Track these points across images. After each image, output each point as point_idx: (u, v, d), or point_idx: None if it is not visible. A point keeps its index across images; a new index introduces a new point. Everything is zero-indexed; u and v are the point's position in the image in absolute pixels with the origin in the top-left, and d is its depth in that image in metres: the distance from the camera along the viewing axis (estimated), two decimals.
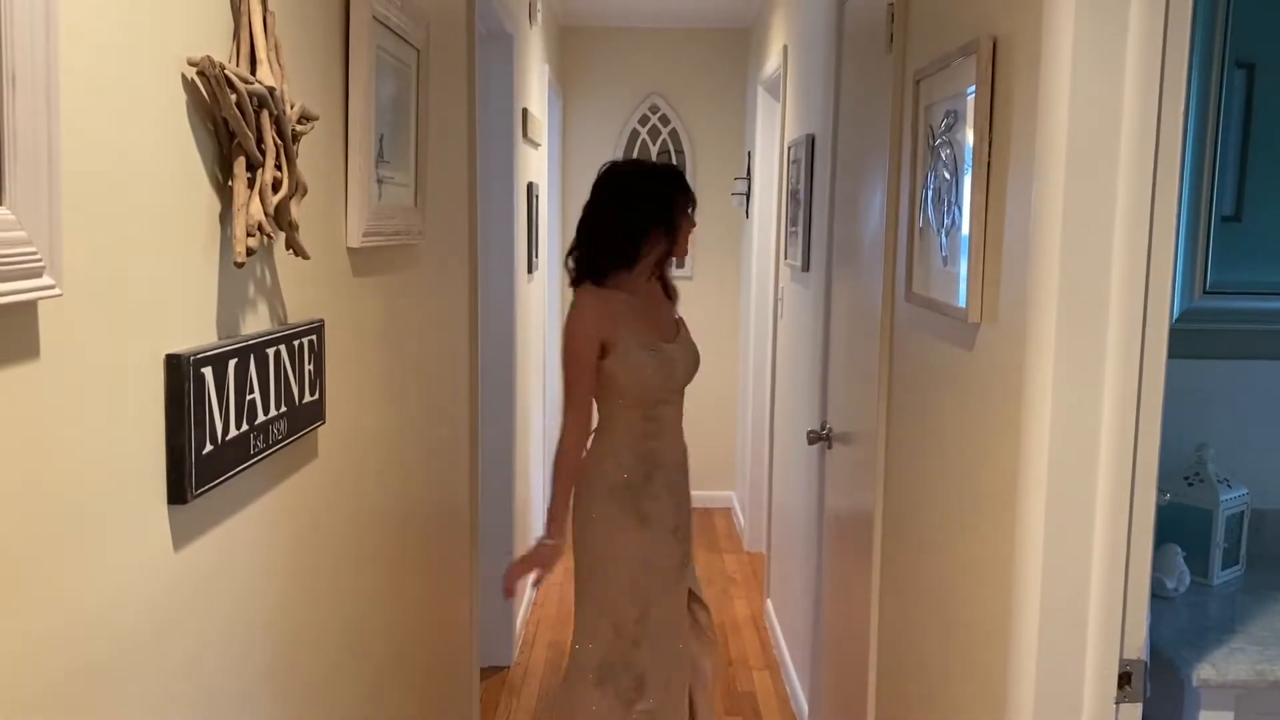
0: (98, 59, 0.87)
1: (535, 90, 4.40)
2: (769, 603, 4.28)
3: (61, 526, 0.83)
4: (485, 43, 3.42)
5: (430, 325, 2.20)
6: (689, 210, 2.53)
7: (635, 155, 5.76)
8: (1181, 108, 1.33)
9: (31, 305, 0.77)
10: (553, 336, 5.59)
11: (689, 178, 5.79)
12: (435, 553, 2.30)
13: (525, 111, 3.97)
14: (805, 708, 3.29)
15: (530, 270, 4.23)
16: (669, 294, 2.65)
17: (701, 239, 5.67)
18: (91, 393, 0.87)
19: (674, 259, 2.53)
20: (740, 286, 5.68)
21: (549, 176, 5.14)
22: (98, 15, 0.87)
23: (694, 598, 2.64)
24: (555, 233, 5.53)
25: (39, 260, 0.74)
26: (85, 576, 0.87)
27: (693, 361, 2.59)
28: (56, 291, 0.77)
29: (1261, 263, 2.07)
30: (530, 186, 4.18)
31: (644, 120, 5.77)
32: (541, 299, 4.83)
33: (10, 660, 0.77)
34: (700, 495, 5.51)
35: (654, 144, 5.79)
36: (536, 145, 4.45)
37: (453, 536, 2.50)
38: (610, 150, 5.72)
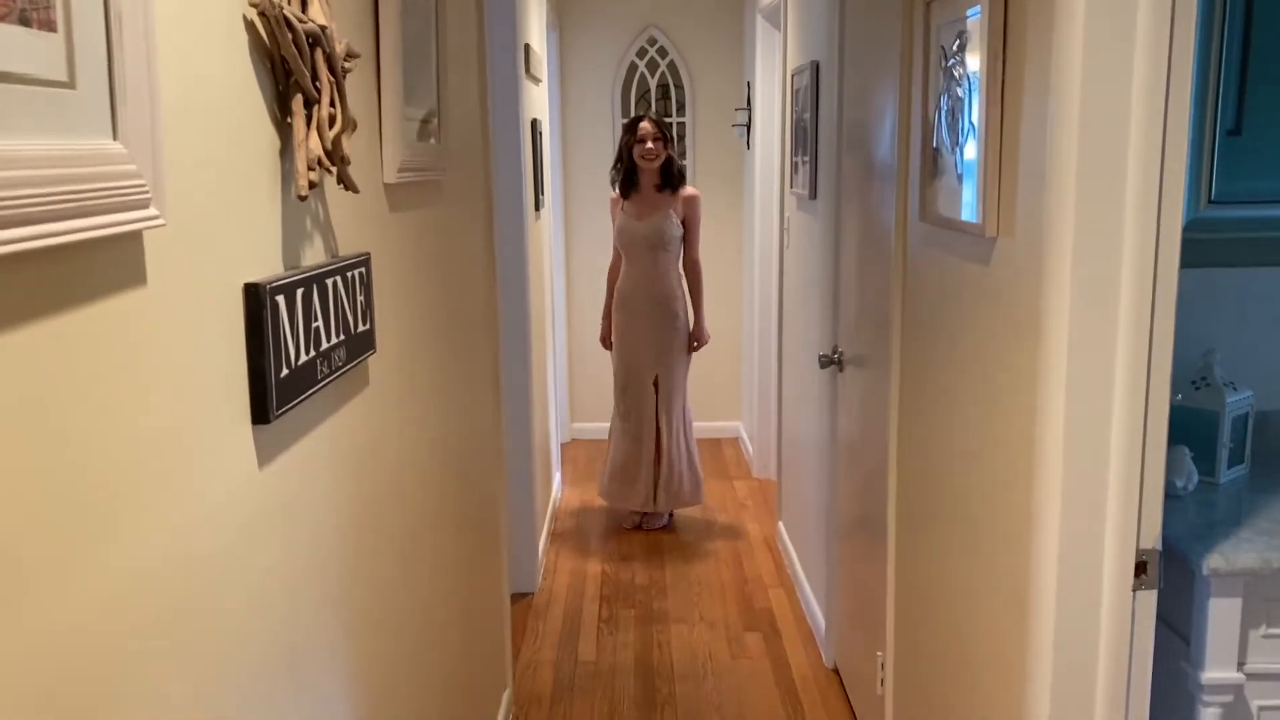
0: (174, 2, 0.91)
1: (535, 25, 4.39)
2: (781, 525, 4.40)
3: (166, 442, 0.90)
4: None
5: (455, 259, 2.25)
6: (629, 138, 4.30)
7: (634, 89, 5.76)
8: (1193, 21, 1.37)
9: (138, 235, 0.83)
10: (560, 275, 5.63)
11: (689, 109, 5.77)
12: (470, 480, 2.38)
13: (527, 47, 3.97)
14: (822, 622, 3.41)
15: (538, 208, 4.25)
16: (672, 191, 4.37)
17: (701, 171, 5.69)
18: (188, 319, 0.93)
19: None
20: (742, 218, 5.70)
21: (550, 113, 5.14)
22: None
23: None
24: (558, 170, 5.54)
25: (147, 192, 0.80)
26: (186, 489, 0.94)
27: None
28: (161, 221, 0.82)
29: (1263, 174, 2.12)
30: (534, 123, 4.19)
31: (642, 53, 5.75)
32: (548, 237, 4.86)
33: (142, 551, 0.84)
34: (706, 426, 5.63)
35: (653, 77, 5.77)
36: (538, 81, 4.45)
37: (484, 463, 2.59)
38: (609, 85, 5.71)
